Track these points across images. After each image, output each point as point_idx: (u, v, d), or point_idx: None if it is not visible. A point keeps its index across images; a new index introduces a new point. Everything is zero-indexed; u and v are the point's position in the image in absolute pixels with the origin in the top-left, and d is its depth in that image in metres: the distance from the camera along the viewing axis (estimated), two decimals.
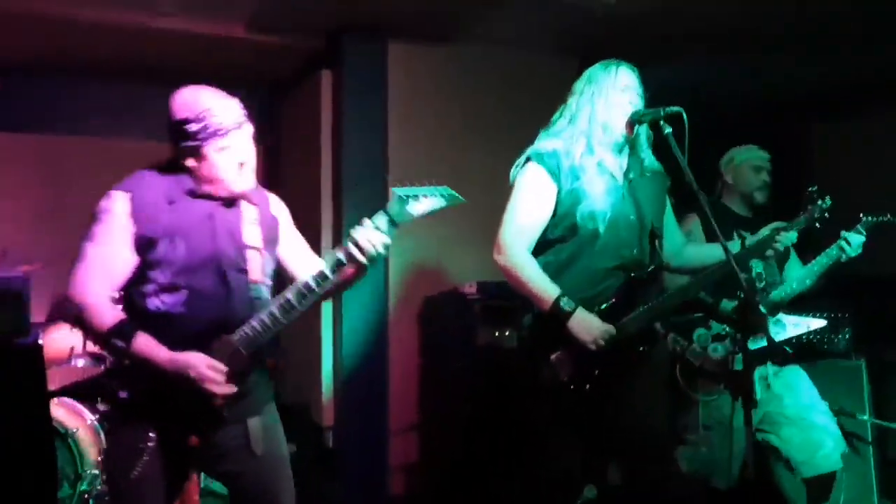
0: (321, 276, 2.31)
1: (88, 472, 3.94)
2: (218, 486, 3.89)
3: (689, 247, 3.07)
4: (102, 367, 4.34)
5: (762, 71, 5.90)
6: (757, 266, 3.59)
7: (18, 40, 5.00)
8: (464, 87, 5.27)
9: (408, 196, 2.35)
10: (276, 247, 2.53)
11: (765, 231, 2.99)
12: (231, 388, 2.26)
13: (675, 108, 2.59)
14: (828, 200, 3.02)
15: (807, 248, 3.55)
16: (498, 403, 4.23)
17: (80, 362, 4.39)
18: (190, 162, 2.31)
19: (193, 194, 2.34)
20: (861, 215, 3.43)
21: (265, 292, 2.43)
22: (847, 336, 4.40)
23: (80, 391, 4.08)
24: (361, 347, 5.00)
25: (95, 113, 5.70)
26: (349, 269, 2.37)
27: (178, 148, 2.31)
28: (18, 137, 5.57)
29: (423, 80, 5.20)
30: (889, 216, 3.40)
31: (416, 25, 4.99)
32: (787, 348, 3.58)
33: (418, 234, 5.03)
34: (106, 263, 2.26)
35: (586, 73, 2.87)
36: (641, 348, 2.75)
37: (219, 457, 2.38)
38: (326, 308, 5.14)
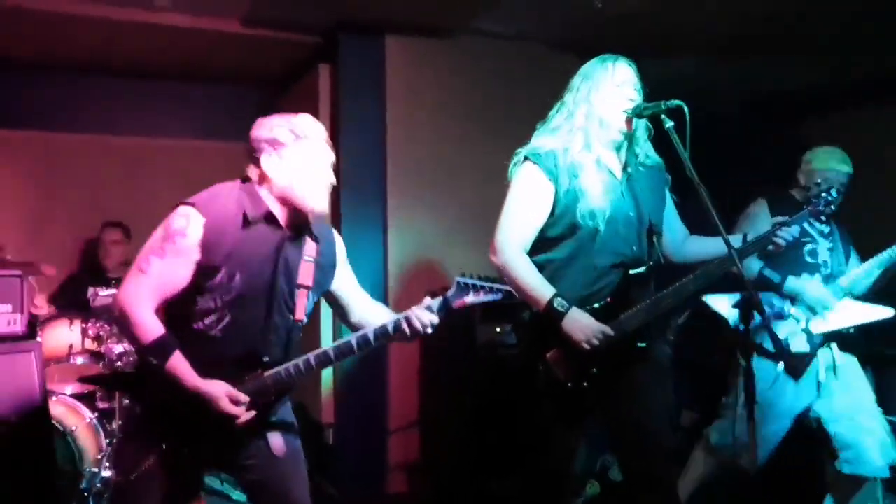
0: (364, 341, 2.39)
1: (87, 469, 3.92)
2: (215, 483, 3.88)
3: (690, 241, 3.04)
4: (101, 365, 4.31)
5: (759, 67, 5.87)
6: (823, 253, 3.59)
7: (13, 36, 4.97)
8: (462, 82, 5.24)
9: (467, 285, 2.41)
10: (325, 288, 2.59)
11: (767, 226, 2.94)
12: (250, 417, 2.31)
13: (676, 102, 2.56)
14: (833, 192, 2.99)
15: None
16: (497, 401, 4.21)
17: (79, 360, 4.36)
18: (269, 166, 2.37)
19: (269, 219, 2.39)
20: None
21: (300, 330, 2.49)
22: None
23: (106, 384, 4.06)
24: None
25: (90, 109, 5.67)
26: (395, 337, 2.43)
27: (261, 159, 2.38)
28: (13, 134, 5.55)
29: (422, 75, 5.17)
30: None
31: (414, 20, 4.96)
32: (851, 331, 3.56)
33: (418, 229, 5.03)
34: (164, 282, 2.30)
35: (583, 69, 2.84)
36: (640, 345, 2.73)
37: (241, 468, 2.44)
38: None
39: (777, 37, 5.22)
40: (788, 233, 2.84)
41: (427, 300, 2.41)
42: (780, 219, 2.90)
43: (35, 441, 3.48)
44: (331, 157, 2.49)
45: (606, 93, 2.74)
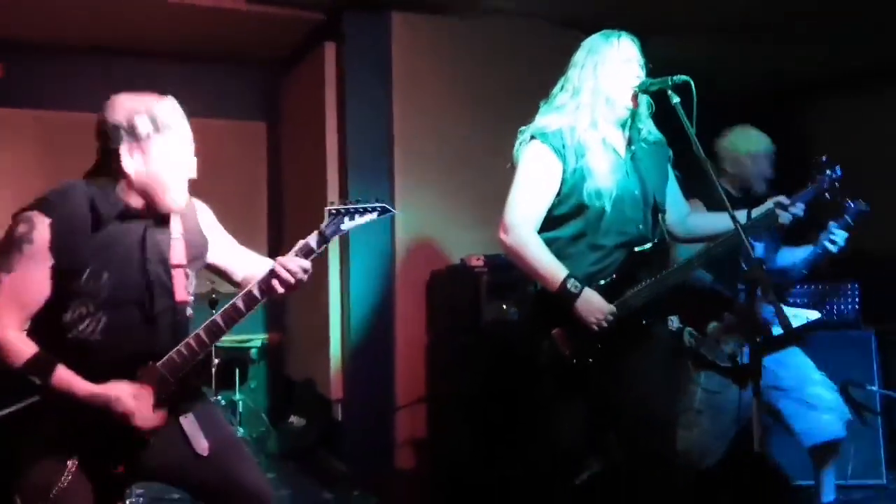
0: (250, 299, 2.25)
1: None
2: None
3: (693, 216, 3.03)
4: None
5: (760, 49, 5.83)
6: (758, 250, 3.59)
7: (13, 14, 4.95)
8: (469, 59, 5.21)
9: (339, 211, 2.29)
10: (202, 262, 2.44)
11: (769, 203, 2.89)
12: (159, 420, 2.19)
13: (683, 77, 2.53)
14: (838, 170, 2.96)
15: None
16: (504, 378, 4.23)
17: None
18: (130, 164, 2.18)
19: (125, 216, 2.22)
20: (846, 203, 3.42)
21: (189, 311, 2.34)
22: (857, 307, 4.39)
23: None
24: (369, 320, 5.00)
25: (92, 88, 5.64)
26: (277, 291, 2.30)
27: (118, 151, 2.17)
28: (13, 112, 5.54)
29: (428, 53, 5.14)
30: (862, 203, 3.43)
31: None
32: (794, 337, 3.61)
33: (425, 207, 5.02)
34: (21, 295, 2.11)
35: (586, 44, 2.80)
36: (644, 322, 2.73)
37: (162, 468, 2.30)
38: (334, 281, 5.14)
39: (784, 20, 5.18)
40: (793, 211, 2.83)
41: (299, 244, 2.28)
42: (780, 198, 2.88)
43: None
44: (191, 145, 2.28)
45: (613, 68, 2.71)
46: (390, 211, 2.34)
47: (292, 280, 2.25)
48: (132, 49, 5.60)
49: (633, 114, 2.78)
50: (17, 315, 2.12)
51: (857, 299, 4.39)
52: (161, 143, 2.20)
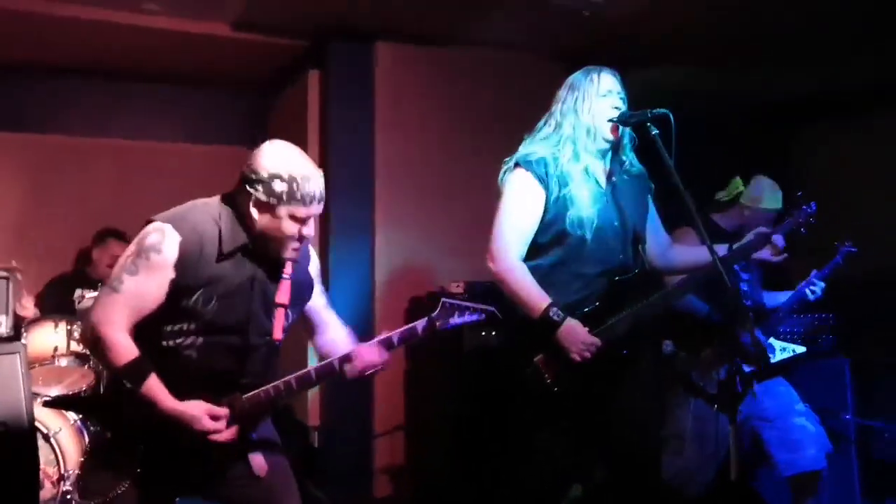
0: (345, 361, 2.37)
1: (72, 472, 3.91)
2: None
3: (674, 249, 3.08)
4: (87, 367, 4.30)
5: (747, 75, 5.93)
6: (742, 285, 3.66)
7: (1, 37, 4.95)
8: (452, 90, 5.27)
9: (453, 305, 2.42)
10: (302, 306, 2.52)
11: (750, 236, 2.98)
12: (232, 434, 2.26)
13: (662, 111, 2.59)
14: (813, 206, 3.05)
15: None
16: (484, 405, 4.23)
17: (64, 362, 4.35)
18: (257, 214, 2.26)
19: (245, 252, 2.31)
20: (837, 245, 3.65)
21: (279, 349, 2.42)
22: (831, 336, 4.44)
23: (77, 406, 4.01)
24: None
25: (79, 111, 5.66)
26: None
27: (252, 197, 2.25)
28: (1, 135, 5.52)
29: (411, 82, 5.19)
30: (850, 245, 3.64)
31: (404, 27, 4.98)
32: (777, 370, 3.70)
33: (405, 234, 5.04)
34: (139, 302, 2.22)
35: (568, 81, 2.88)
36: (625, 352, 2.76)
37: (222, 491, 2.38)
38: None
39: (766, 46, 5.28)
40: (775, 240, 2.90)
41: (405, 327, 2.41)
42: (762, 229, 2.95)
43: (19, 443, 3.46)
44: (318, 212, 2.35)
45: (592, 102, 2.78)
46: (498, 317, 2.45)
47: (363, 371, 2.39)
48: (117, 73, 5.61)
49: (615, 146, 2.84)
50: (129, 318, 2.21)
51: (831, 328, 4.44)
52: (291, 211, 2.25)
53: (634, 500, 2.77)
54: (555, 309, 2.66)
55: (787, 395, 3.68)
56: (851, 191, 5.60)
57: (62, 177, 5.64)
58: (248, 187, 2.25)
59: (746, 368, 3.46)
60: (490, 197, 2.89)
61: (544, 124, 2.88)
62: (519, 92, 5.12)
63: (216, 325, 2.27)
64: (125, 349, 2.19)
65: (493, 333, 4.36)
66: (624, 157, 2.88)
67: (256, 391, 2.31)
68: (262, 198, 2.23)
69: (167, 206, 2.38)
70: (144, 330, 2.24)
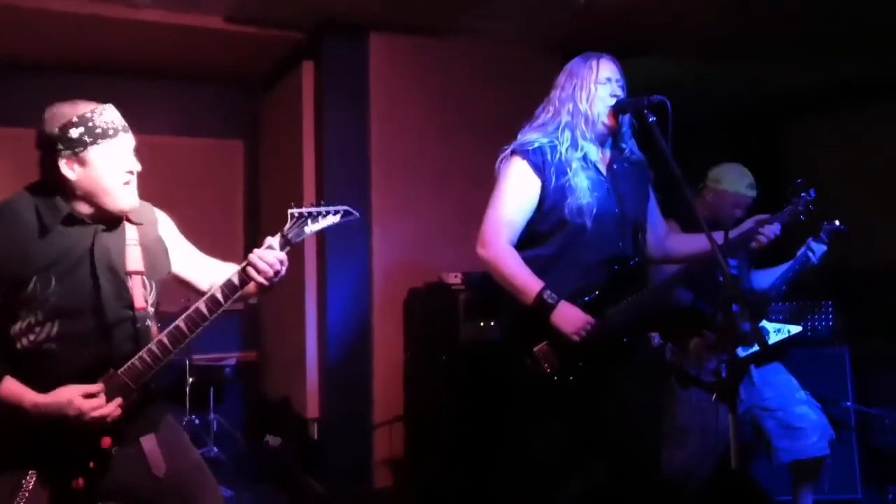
0: (214, 302, 2.21)
1: None
2: None
3: (672, 238, 3.07)
4: None
5: (739, 70, 5.92)
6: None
7: None
8: (447, 81, 5.24)
9: (302, 214, 2.29)
10: (162, 270, 2.40)
11: (749, 222, 2.97)
12: (115, 408, 2.13)
13: (659, 98, 2.58)
14: (812, 193, 3.04)
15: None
16: (483, 396, 4.22)
17: None
18: (70, 173, 2.16)
19: (71, 220, 2.19)
20: (823, 223, 3.55)
21: (149, 320, 2.30)
22: (831, 324, 4.45)
23: None
24: (346, 338, 4.98)
25: None
26: (249, 289, 2.28)
27: (56, 160, 2.15)
28: None
29: (406, 74, 5.17)
30: (839, 224, 3.55)
31: (399, 18, 4.95)
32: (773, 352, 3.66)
33: (402, 225, 5.03)
34: None
35: (567, 67, 2.86)
36: (625, 340, 2.75)
37: (119, 490, 2.23)
38: (311, 298, 5.13)
39: (763, 39, 5.27)
40: (771, 230, 2.88)
41: (268, 240, 2.26)
42: (762, 217, 2.94)
43: None
44: (131, 143, 2.27)
45: (590, 89, 2.76)
46: (353, 214, 2.34)
47: (270, 270, 2.22)
48: (110, 67, 5.58)
49: (615, 133, 2.82)
50: None
51: (831, 316, 4.44)
52: (99, 153, 2.17)
53: (634, 493, 2.76)
54: (548, 292, 2.65)
55: (787, 385, 3.67)
56: (842, 183, 5.60)
57: None
58: (49, 155, 2.16)
59: (742, 353, 3.48)
60: (487, 187, 2.87)
61: (542, 111, 2.87)
62: (514, 82, 5.10)
63: (65, 308, 2.14)
64: None
65: (493, 324, 4.36)
66: (623, 145, 2.86)
67: (131, 361, 2.17)
68: (67, 153, 2.14)
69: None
70: None
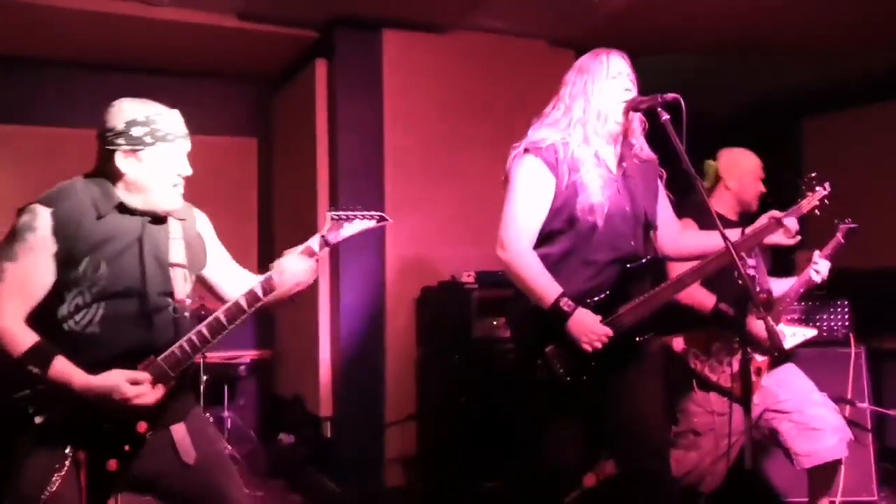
0: (253, 297, 2.33)
1: None
2: None
3: (685, 235, 3.05)
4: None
5: (755, 67, 5.88)
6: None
7: (5, 29, 4.94)
8: (460, 78, 5.22)
9: (340, 217, 2.46)
10: (200, 266, 2.50)
11: (763, 219, 2.92)
12: (159, 393, 2.21)
13: (673, 95, 2.55)
14: (827, 186, 3.01)
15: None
16: (495, 395, 4.21)
17: None
18: (125, 166, 2.26)
19: (122, 208, 2.29)
20: (836, 221, 3.58)
21: (187, 311, 2.37)
22: (846, 323, 4.41)
23: None
24: (359, 336, 4.98)
25: (84, 103, 5.64)
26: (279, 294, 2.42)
27: (114, 152, 2.25)
28: (4, 128, 5.51)
29: (419, 70, 5.15)
30: (850, 221, 3.60)
31: (411, 15, 4.95)
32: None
33: (416, 223, 5.02)
34: (25, 285, 2.16)
35: (577, 63, 2.84)
36: (637, 339, 2.73)
37: (148, 475, 2.29)
38: (324, 297, 5.13)
39: (775, 36, 5.23)
40: (790, 223, 2.85)
41: (296, 249, 2.41)
42: (774, 213, 2.90)
43: None
44: (188, 149, 2.37)
45: (602, 85, 2.74)
46: (387, 220, 2.50)
47: (291, 281, 2.38)
48: (124, 65, 5.59)
49: (626, 130, 2.80)
50: (19, 305, 2.15)
51: (846, 316, 4.41)
52: (154, 152, 2.27)
53: (644, 491, 2.74)
54: (565, 299, 2.62)
55: (803, 387, 3.62)
56: (857, 182, 5.55)
57: (71, 168, 5.62)
58: (109, 147, 2.26)
59: (759, 357, 3.45)
60: (500, 185, 2.85)
61: (553, 108, 2.84)
62: (527, 79, 5.08)
63: (111, 290, 2.22)
64: (21, 336, 2.12)
65: (503, 323, 4.35)
66: (634, 142, 2.84)
67: (170, 349, 2.25)
68: (127, 148, 2.25)
69: None
70: (40, 322, 2.17)
